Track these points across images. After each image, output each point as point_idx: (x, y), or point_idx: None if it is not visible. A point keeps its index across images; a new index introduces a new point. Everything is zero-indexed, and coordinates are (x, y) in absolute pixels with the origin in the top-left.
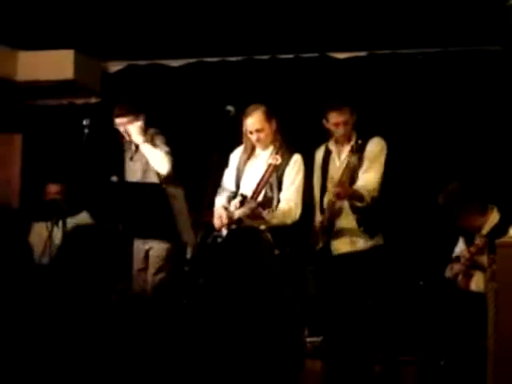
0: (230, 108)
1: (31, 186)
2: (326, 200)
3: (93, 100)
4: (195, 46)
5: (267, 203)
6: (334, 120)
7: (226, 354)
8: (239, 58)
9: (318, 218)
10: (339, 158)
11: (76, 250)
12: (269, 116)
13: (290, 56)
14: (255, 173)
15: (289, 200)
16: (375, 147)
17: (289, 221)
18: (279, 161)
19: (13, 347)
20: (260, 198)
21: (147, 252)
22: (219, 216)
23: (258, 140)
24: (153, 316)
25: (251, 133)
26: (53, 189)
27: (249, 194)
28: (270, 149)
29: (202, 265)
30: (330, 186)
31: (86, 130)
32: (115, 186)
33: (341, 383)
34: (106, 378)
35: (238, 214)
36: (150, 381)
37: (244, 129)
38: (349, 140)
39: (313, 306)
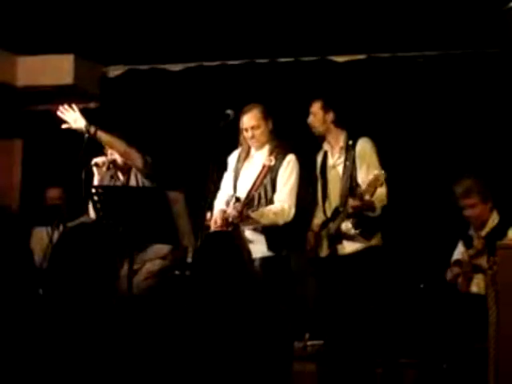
0: (229, 112)
1: (31, 191)
2: (327, 204)
3: (92, 105)
4: (195, 50)
5: (250, 202)
6: (310, 109)
7: (208, 357)
8: (239, 62)
9: (318, 220)
10: (332, 157)
11: (73, 248)
12: (265, 115)
13: (290, 59)
14: (250, 174)
15: (282, 201)
16: (365, 150)
17: (281, 221)
18: (273, 162)
19: (13, 351)
20: (254, 200)
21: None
22: (214, 220)
23: (253, 137)
24: (141, 321)
25: (246, 130)
26: (53, 193)
27: (243, 195)
28: (265, 150)
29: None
30: (330, 188)
31: (86, 135)
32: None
33: None
34: (104, 379)
35: (230, 216)
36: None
37: (240, 127)
38: (338, 139)
39: (314, 309)
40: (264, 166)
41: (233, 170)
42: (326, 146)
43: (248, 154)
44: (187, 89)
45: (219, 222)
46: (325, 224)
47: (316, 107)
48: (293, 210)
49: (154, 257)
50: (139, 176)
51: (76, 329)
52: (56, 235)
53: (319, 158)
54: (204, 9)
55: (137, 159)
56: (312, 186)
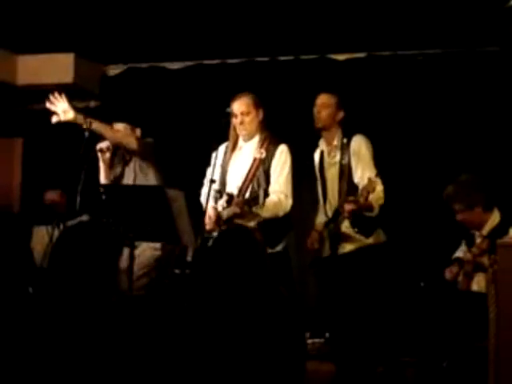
0: (229, 110)
1: (32, 190)
2: (328, 204)
3: (92, 103)
4: (195, 48)
5: (255, 199)
6: (319, 101)
7: (222, 354)
8: (239, 60)
9: (321, 220)
10: (328, 156)
11: (73, 246)
12: (257, 103)
13: (290, 58)
14: (240, 168)
15: (278, 192)
16: (359, 148)
17: (281, 212)
18: (264, 154)
19: (12, 350)
20: (247, 195)
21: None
22: (208, 216)
23: (242, 123)
24: (150, 318)
25: (236, 116)
26: (51, 196)
27: (235, 190)
28: (255, 141)
29: (197, 268)
30: (329, 188)
31: (86, 134)
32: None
33: None
34: (103, 379)
35: (226, 213)
36: (146, 381)
37: (231, 116)
38: (333, 137)
39: (315, 308)
40: (255, 159)
41: (220, 165)
42: (321, 145)
43: (236, 144)
44: (187, 87)
45: (213, 218)
46: (326, 224)
47: (332, 100)
48: (290, 201)
49: (146, 247)
50: (137, 158)
51: (76, 327)
52: (56, 234)
53: (316, 157)
54: (203, 7)
55: (130, 143)
56: (312, 184)
